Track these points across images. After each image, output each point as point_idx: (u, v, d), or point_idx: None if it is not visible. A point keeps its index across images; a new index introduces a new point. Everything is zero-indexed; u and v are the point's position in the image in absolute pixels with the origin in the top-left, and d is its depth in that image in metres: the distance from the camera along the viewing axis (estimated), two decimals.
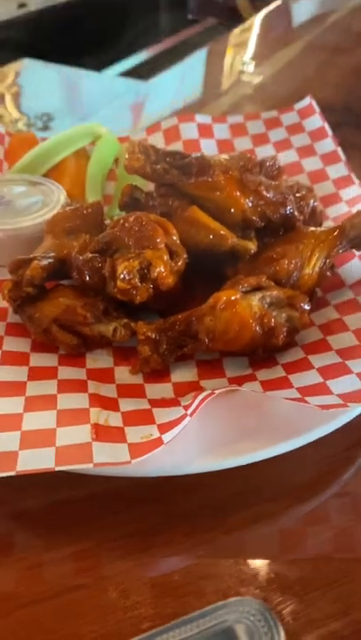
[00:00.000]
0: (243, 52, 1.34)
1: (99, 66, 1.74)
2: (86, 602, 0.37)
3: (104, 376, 0.47)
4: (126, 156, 0.52)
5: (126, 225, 0.49)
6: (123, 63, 1.90)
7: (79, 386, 0.45)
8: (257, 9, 1.74)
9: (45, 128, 0.99)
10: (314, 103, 0.75)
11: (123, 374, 0.48)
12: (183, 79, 1.22)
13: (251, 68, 1.22)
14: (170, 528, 0.40)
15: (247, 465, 0.41)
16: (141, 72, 1.82)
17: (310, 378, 0.44)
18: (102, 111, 1.05)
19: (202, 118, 0.75)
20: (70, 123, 1.03)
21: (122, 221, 0.49)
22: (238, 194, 0.51)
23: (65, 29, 2.72)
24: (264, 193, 0.51)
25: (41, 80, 1.27)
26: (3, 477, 0.37)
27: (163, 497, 0.42)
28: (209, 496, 0.42)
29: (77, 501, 0.43)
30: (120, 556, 0.39)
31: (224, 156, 0.53)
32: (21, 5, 2.73)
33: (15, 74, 1.26)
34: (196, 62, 1.30)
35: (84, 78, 1.30)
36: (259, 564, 0.38)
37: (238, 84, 1.15)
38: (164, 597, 0.36)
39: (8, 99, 1.13)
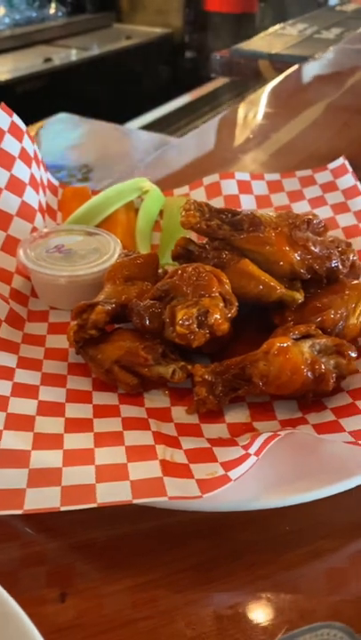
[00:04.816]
0: (265, 111, 1.42)
1: (121, 119, 1.83)
2: (154, 632, 0.38)
3: (162, 415, 0.50)
4: (183, 213, 0.56)
5: (185, 275, 0.52)
6: (143, 117, 1.99)
7: (142, 424, 0.48)
8: (279, 70, 1.84)
9: (85, 179, 1.06)
10: (346, 163, 0.80)
11: (179, 414, 0.51)
12: (211, 135, 1.29)
13: (275, 126, 1.29)
14: (229, 562, 0.42)
15: (300, 503, 0.43)
16: (163, 126, 1.91)
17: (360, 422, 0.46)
18: (137, 164, 1.11)
19: (241, 175, 0.80)
20: (107, 175, 1.10)
21: (180, 271, 0.53)
22: (287, 248, 0.55)
23: (88, 83, 2.86)
24: (311, 248, 0.55)
25: (77, 133, 1.35)
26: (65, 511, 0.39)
27: (220, 532, 0.44)
28: (265, 532, 0.44)
29: (139, 535, 0.45)
30: (183, 588, 0.41)
31: (273, 214, 0.57)
32: (47, 60, 2.90)
33: (38, 127, 1.34)
34: (216, 121, 1.37)
35: (118, 132, 1.38)
36: (317, 601, 0.40)
37: (264, 142, 1.21)
38: (229, 629, 0.38)
39: None
